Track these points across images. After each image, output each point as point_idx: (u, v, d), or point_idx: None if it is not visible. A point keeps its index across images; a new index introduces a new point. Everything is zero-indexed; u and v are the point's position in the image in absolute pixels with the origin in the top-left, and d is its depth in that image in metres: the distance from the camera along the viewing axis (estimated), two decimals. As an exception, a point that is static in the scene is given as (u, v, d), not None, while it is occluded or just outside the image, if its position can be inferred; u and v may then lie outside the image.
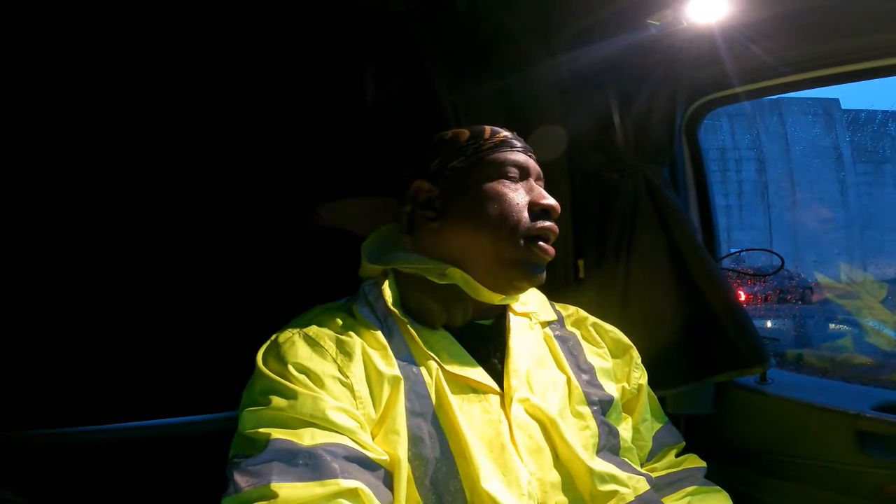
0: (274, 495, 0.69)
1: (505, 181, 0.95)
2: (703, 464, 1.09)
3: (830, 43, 1.28)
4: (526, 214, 0.94)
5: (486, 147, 0.97)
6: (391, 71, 1.74)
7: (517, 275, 0.93)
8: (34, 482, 1.28)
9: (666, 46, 1.35)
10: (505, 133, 1.00)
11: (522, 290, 0.97)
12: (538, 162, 1.02)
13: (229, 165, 1.64)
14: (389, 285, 0.93)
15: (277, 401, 0.77)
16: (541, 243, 0.94)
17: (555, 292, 1.12)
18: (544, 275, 0.96)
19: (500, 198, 0.93)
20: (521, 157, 0.97)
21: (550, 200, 0.96)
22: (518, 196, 0.94)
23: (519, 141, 1.00)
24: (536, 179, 1.00)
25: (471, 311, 0.93)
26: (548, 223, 0.95)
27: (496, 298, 0.94)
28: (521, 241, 0.92)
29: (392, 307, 0.90)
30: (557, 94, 1.46)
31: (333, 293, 1.00)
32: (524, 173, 0.97)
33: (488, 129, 0.99)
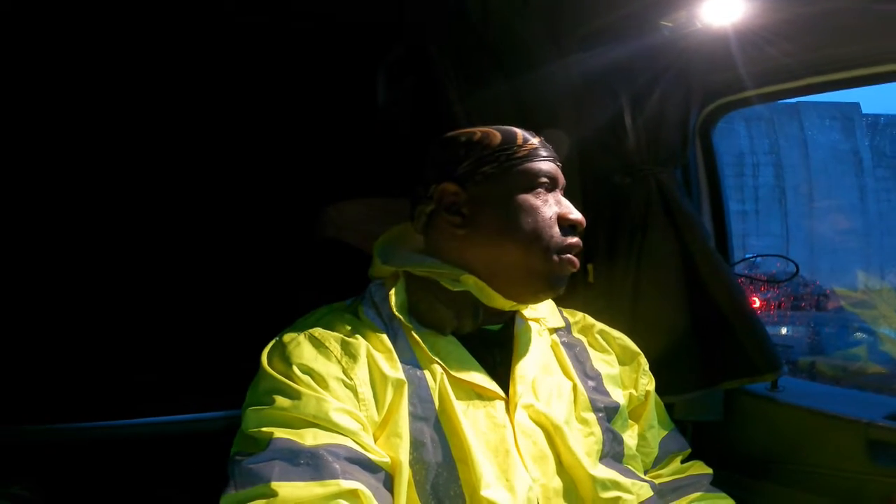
0: (274, 494, 0.69)
1: (537, 193, 0.92)
2: (710, 470, 1.07)
3: (851, 45, 1.25)
4: (557, 229, 0.92)
5: (520, 155, 0.93)
6: (402, 73, 1.74)
7: (544, 286, 0.91)
8: (43, 476, 1.29)
9: (679, 48, 1.34)
10: (536, 140, 0.97)
11: (543, 300, 0.96)
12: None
13: (237, 165, 1.65)
14: (398, 289, 0.92)
15: (281, 401, 0.77)
16: (570, 256, 0.92)
17: (563, 297, 1.11)
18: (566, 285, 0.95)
19: (533, 211, 0.91)
20: (551, 167, 0.95)
21: (579, 216, 0.94)
22: (549, 209, 0.92)
23: (548, 149, 0.97)
24: (561, 189, 0.97)
25: (481, 319, 0.92)
26: (575, 240, 0.93)
27: (508, 305, 0.93)
28: (553, 256, 0.91)
29: (397, 313, 0.89)
30: (568, 96, 1.45)
31: (339, 293, 1.00)
32: (553, 184, 0.95)
33: (520, 134, 0.96)
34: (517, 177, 0.92)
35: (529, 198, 0.92)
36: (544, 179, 0.93)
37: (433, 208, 0.95)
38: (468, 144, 0.95)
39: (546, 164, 0.94)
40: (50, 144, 1.57)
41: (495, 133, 0.95)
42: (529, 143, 0.95)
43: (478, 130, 0.96)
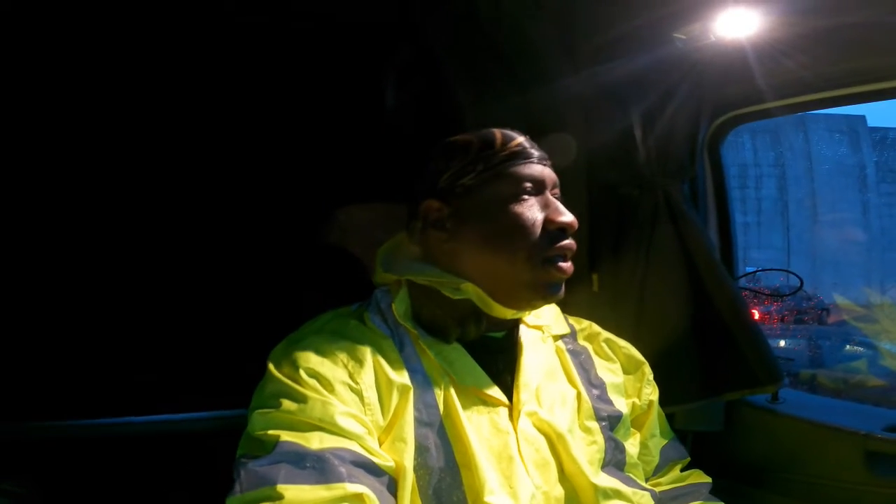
0: (280, 497, 0.69)
1: (520, 198, 0.90)
2: (709, 479, 1.07)
3: (867, 59, 1.25)
4: (542, 235, 0.89)
5: (499, 160, 0.90)
6: (409, 76, 1.74)
7: (534, 295, 0.90)
8: (39, 473, 1.28)
9: (692, 61, 1.33)
10: (518, 140, 0.93)
11: (539, 307, 0.95)
12: (554, 168, 0.96)
13: (239, 166, 1.65)
14: (401, 297, 0.91)
15: (287, 404, 0.77)
16: (560, 263, 0.90)
17: (569, 305, 1.11)
18: (563, 292, 0.92)
19: (515, 218, 0.89)
20: (536, 169, 0.91)
21: (568, 217, 0.90)
22: (534, 214, 0.89)
23: (534, 148, 0.94)
24: (552, 189, 0.94)
25: (484, 326, 0.92)
26: (566, 242, 0.90)
27: (509, 314, 0.92)
28: (539, 264, 0.88)
29: (402, 321, 0.89)
30: (580, 107, 1.44)
31: (343, 295, 1.00)
32: (539, 186, 0.92)
33: (499, 135, 0.93)
34: (498, 184, 0.90)
35: (512, 206, 0.89)
36: (527, 184, 0.90)
37: (421, 225, 0.94)
38: (449, 155, 0.93)
39: (529, 167, 0.91)
40: (51, 144, 1.57)
41: (472, 140, 0.93)
42: (510, 144, 0.92)
43: (459, 138, 0.94)
